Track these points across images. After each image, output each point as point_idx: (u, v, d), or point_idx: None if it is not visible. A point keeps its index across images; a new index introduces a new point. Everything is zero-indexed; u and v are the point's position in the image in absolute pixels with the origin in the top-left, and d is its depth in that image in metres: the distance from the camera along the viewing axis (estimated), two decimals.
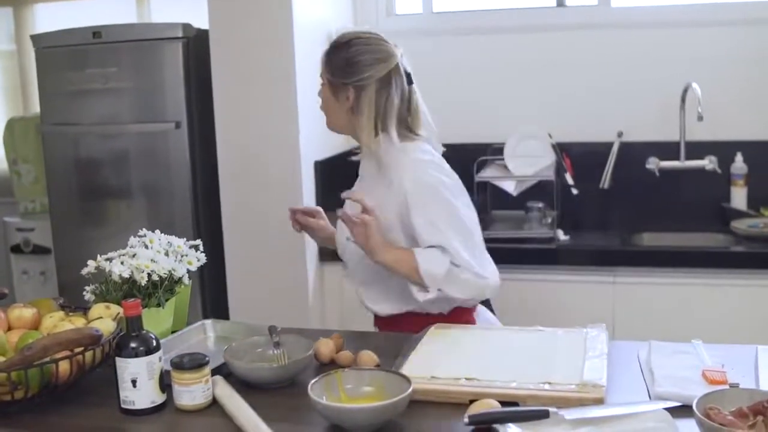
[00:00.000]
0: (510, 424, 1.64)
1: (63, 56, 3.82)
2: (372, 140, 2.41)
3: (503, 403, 1.75)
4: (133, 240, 2.34)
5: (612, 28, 3.86)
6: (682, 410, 1.69)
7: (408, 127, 2.47)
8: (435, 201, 2.36)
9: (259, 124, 3.46)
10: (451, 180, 2.47)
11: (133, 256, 2.20)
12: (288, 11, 3.39)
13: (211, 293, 3.75)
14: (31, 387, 1.84)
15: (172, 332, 2.29)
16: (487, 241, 3.52)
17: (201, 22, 3.59)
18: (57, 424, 1.85)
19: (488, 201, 3.91)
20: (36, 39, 3.91)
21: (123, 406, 1.86)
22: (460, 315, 2.45)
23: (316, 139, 3.62)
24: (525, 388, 1.84)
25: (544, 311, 3.44)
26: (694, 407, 1.58)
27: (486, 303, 2.68)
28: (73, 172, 3.90)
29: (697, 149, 3.74)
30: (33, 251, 4.41)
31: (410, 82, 2.44)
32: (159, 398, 1.87)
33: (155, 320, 2.16)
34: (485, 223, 3.76)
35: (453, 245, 2.31)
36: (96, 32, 3.68)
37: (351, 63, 2.39)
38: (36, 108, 4.42)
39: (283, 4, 3.39)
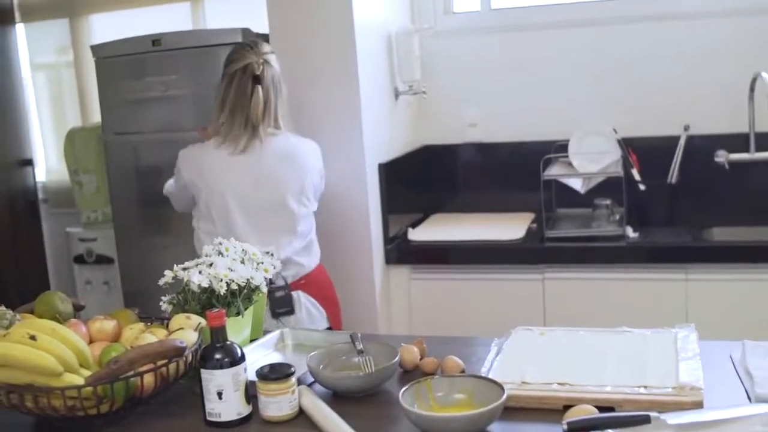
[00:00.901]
0: (610, 431, 1.59)
1: (122, 65, 3.83)
2: (216, 122, 2.98)
3: (599, 408, 1.70)
4: (207, 248, 2.32)
5: (675, 18, 3.78)
6: None
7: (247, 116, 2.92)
8: None
9: (323, 128, 3.43)
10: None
11: (211, 265, 2.17)
12: (348, 13, 3.36)
13: None
14: (117, 400, 1.83)
15: (251, 341, 2.27)
16: (554, 239, 3.53)
17: (258, 26, 3.57)
18: None
19: (554, 199, 3.85)
20: (96, 49, 3.92)
21: (209, 418, 1.84)
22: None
23: (380, 141, 3.60)
24: (621, 392, 1.79)
25: (616, 311, 3.39)
26: None
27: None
28: (135, 180, 3.91)
29: (766, 140, 3.65)
30: (96, 261, 4.42)
31: (257, 82, 2.90)
32: (245, 410, 1.85)
33: (234, 329, 2.14)
34: (551, 222, 3.71)
35: None
36: (155, 40, 3.68)
37: (224, 62, 2.99)
38: (95, 118, 4.44)
39: (343, 6, 3.37)
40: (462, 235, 3.68)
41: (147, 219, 3.91)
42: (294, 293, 2.94)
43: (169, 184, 3.17)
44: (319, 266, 3.10)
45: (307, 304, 3.00)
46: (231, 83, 2.92)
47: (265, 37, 3.50)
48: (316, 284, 3.05)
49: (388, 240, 3.62)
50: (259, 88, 2.89)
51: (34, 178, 4.89)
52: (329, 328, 3.05)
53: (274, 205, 2.95)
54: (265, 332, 2.39)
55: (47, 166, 5.07)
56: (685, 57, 3.78)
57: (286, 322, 2.88)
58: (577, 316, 3.39)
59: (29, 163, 4.85)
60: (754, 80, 3.55)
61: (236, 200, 2.92)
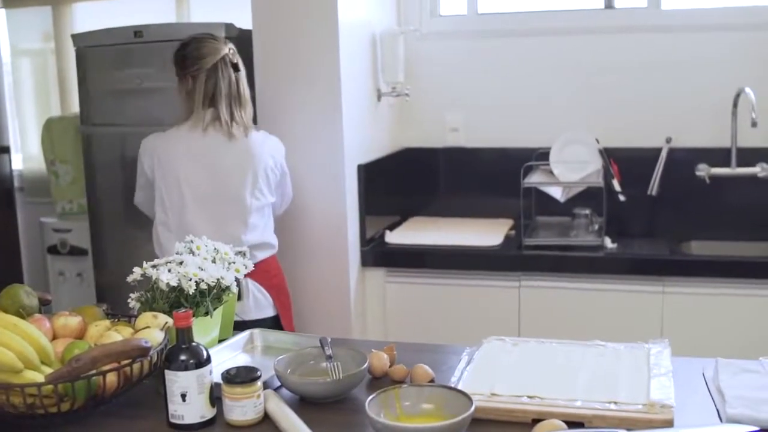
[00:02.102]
0: None
1: (103, 55, 3.78)
2: (201, 120, 2.96)
3: (568, 423, 1.68)
4: (179, 246, 2.29)
5: (662, 31, 3.77)
6: None
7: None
8: None
9: (303, 127, 3.40)
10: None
11: (181, 263, 2.14)
12: (333, 12, 3.32)
13: None
14: (78, 399, 1.79)
15: (219, 341, 2.24)
16: (531, 247, 3.51)
17: (242, 22, 3.54)
18: None
19: (533, 206, 3.83)
20: (77, 38, 3.87)
21: (171, 420, 1.80)
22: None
23: (360, 142, 3.56)
24: (590, 407, 1.76)
25: (591, 321, 3.38)
26: None
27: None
28: (112, 172, 3.85)
29: (748, 156, 3.65)
30: (70, 252, 4.37)
31: (237, 70, 2.98)
32: (209, 413, 1.81)
33: (203, 329, 2.11)
34: (530, 229, 3.70)
35: None
36: (137, 31, 3.63)
37: (187, 58, 2.96)
38: (74, 108, 4.39)
39: (328, 6, 3.33)
40: (439, 240, 3.66)
41: (123, 212, 3.85)
42: (243, 280, 2.90)
43: (138, 194, 3.22)
44: (271, 256, 3.12)
45: (254, 291, 3.03)
46: (213, 76, 2.94)
47: (247, 33, 3.47)
48: (266, 272, 3.05)
49: (364, 242, 3.59)
50: (241, 75, 3.00)
51: (11, 165, 4.83)
52: (276, 317, 3.08)
53: (227, 196, 2.98)
54: None
55: (26, 154, 5.01)
56: (670, 69, 3.77)
57: None
58: (553, 325, 3.38)
59: (6, 150, 4.79)
60: (737, 95, 3.55)
61: (189, 188, 2.96)
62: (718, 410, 1.81)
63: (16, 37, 4.92)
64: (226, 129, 2.95)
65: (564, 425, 1.66)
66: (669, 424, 1.70)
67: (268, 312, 3.07)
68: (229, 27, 3.49)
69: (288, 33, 3.40)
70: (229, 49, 2.99)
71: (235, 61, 2.99)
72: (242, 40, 3.50)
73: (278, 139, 3.13)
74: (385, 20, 3.88)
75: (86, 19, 4.68)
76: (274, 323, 3.06)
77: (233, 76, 2.98)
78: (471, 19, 4.07)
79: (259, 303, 3.04)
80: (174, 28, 3.70)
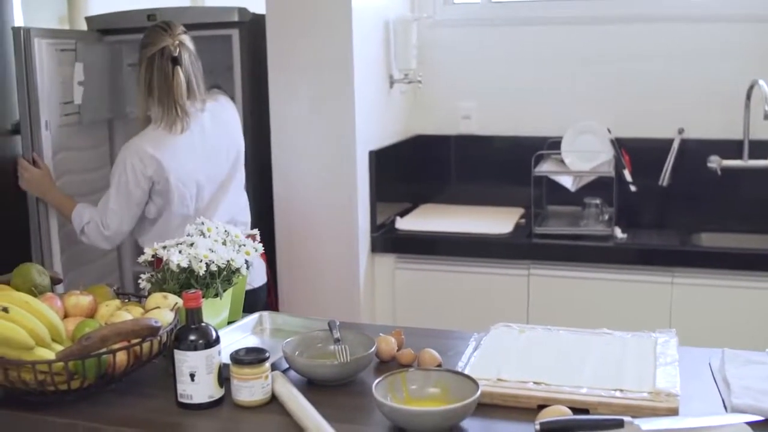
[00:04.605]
0: None
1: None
2: (142, 108, 2.97)
3: (573, 410, 1.69)
4: (190, 228, 2.30)
5: (676, 20, 3.75)
6: (761, 425, 1.62)
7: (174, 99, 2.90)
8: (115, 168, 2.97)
9: (315, 112, 3.41)
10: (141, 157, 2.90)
11: (191, 245, 2.15)
12: None
13: None
14: (88, 377, 1.81)
15: (229, 323, 2.25)
16: (541, 236, 3.51)
17: (255, 6, 3.54)
18: (113, 414, 1.82)
19: (544, 195, 3.83)
20: (91, 21, 3.88)
21: (180, 399, 1.82)
22: None
23: (372, 128, 3.57)
24: (596, 394, 1.77)
25: (600, 311, 3.38)
26: None
27: None
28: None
29: (760, 148, 3.63)
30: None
31: (176, 64, 2.88)
32: (217, 393, 1.83)
33: (212, 311, 2.13)
34: (540, 218, 3.70)
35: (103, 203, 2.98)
36: (151, 15, 3.63)
37: (140, 46, 2.96)
38: None
39: None
40: (449, 227, 3.67)
41: None
42: None
43: (86, 213, 3.05)
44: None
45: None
46: (151, 67, 2.90)
47: (261, 18, 3.48)
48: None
49: (375, 228, 3.60)
50: (179, 69, 2.88)
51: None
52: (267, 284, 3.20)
53: (227, 172, 3.06)
54: None
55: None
56: (684, 60, 3.75)
57: None
58: (561, 314, 3.38)
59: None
60: (751, 87, 3.53)
61: (203, 178, 2.99)
62: (723, 400, 1.81)
63: (30, 20, 4.93)
64: (186, 117, 2.91)
65: (569, 411, 1.66)
66: (674, 412, 1.71)
67: (264, 278, 3.18)
68: (242, 11, 3.50)
69: (301, 18, 3.40)
70: (176, 41, 2.89)
71: (176, 54, 2.88)
72: (255, 24, 3.52)
73: (224, 96, 3.20)
74: (398, 7, 3.88)
75: (101, 1, 4.68)
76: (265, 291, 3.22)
77: (170, 69, 2.88)
78: (484, 6, 4.07)
79: (255, 269, 2.95)
80: (187, 12, 3.70)
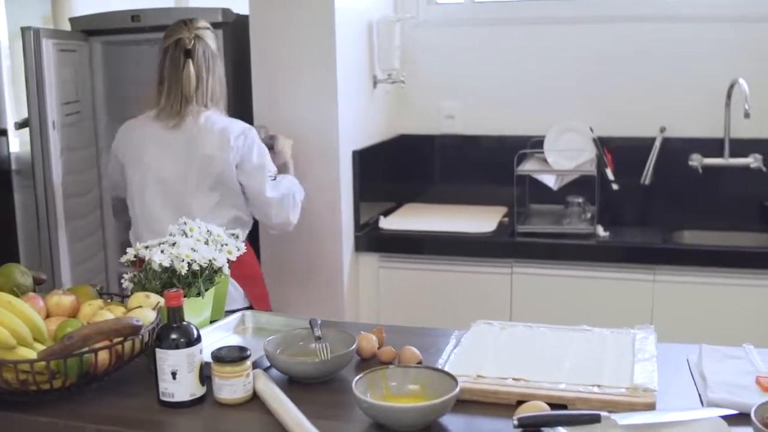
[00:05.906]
0: (560, 428, 1.60)
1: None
2: (155, 99, 2.96)
3: (551, 405, 1.70)
4: (172, 228, 2.31)
5: (657, 21, 3.78)
6: (736, 419, 1.63)
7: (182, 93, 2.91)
8: None
9: (298, 112, 3.42)
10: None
11: (173, 244, 2.16)
12: None
13: None
14: (70, 376, 1.82)
15: (211, 322, 2.26)
16: (525, 234, 3.53)
17: (239, 7, 3.55)
18: (95, 413, 1.82)
19: (527, 194, 3.85)
20: (75, 22, 3.88)
21: (162, 398, 1.83)
22: None
23: (355, 128, 3.58)
24: (574, 390, 1.79)
25: (582, 308, 3.40)
26: (753, 416, 1.53)
27: None
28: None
29: (741, 147, 3.67)
30: None
31: (188, 57, 2.88)
32: (199, 391, 1.84)
33: (194, 310, 2.13)
34: (523, 217, 3.72)
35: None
36: (135, 16, 3.65)
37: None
38: None
39: None
40: (433, 226, 3.68)
41: None
42: None
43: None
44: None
45: None
46: (165, 57, 2.92)
47: (244, 18, 3.49)
48: (238, 262, 2.70)
49: (358, 227, 3.61)
50: (190, 62, 2.88)
51: (8, 148, 4.84)
52: (250, 307, 2.93)
53: (190, 186, 2.90)
54: None
55: (23, 137, 5.01)
56: (665, 60, 3.78)
57: None
58: (544, 312, 3.40)
59: (3, 133, 4.80)
60: (731, 86, 3.57)
61: (155, 179, 2.92)
62: (700, 395, 1.84)
63: (14, 20, 4.92)
64: (186, 115, 2.89)
65: (547, 407, 1.68)
66: (651, 407, 1.73)
67: (240, 303, 2.94)
68: (226, 12, 3.51)
69: (284, 19, 3.41)
70: (192, 34, 2.90)
71: (189, 47, 2.88)
72: (239, 25, 3.53)
73: (240, 123, 2.96)
74: (381, 7, 3.89)
75: (85, 2, 4.68)
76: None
77: (182, 61, 2.88)
78: (467, 7, 4.09)
79: (230, 295, 2.77)
80: (171, 13, 3.71)
